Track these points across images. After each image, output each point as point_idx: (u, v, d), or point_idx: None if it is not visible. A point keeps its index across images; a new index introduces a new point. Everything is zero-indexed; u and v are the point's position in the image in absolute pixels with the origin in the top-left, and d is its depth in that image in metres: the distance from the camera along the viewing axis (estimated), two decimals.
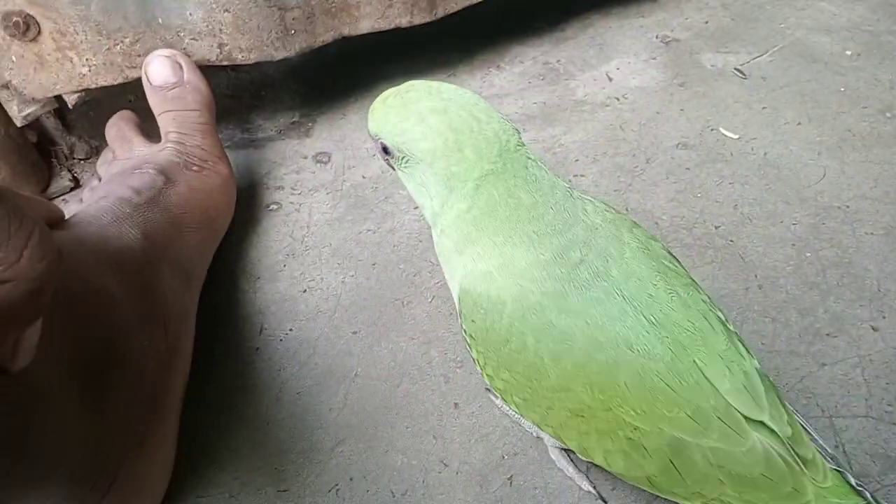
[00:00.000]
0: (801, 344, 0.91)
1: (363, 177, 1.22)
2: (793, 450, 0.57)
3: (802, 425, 0.62)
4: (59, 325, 0.58)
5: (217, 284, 1.04)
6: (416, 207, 1.15)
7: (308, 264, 1.07)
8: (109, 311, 0.71)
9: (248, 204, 1.19)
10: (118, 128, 1.07)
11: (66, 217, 0.80)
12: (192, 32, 1.05)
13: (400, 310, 0.99)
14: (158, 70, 1.02)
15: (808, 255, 1.03)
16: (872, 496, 0.58)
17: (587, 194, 0.68)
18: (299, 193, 1.20)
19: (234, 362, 0.94)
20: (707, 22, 1.56)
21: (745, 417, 0.56)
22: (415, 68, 1.46)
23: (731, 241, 1.05)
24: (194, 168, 1.01)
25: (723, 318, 0.63)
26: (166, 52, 1.03)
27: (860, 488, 0.59)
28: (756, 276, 1.00)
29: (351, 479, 0.80)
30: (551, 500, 0.77)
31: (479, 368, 0.66)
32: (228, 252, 1.10)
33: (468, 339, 0.64)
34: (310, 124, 1.37)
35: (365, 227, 1.12)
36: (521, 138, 0.62)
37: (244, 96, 1.44)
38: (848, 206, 1.10)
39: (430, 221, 0.67)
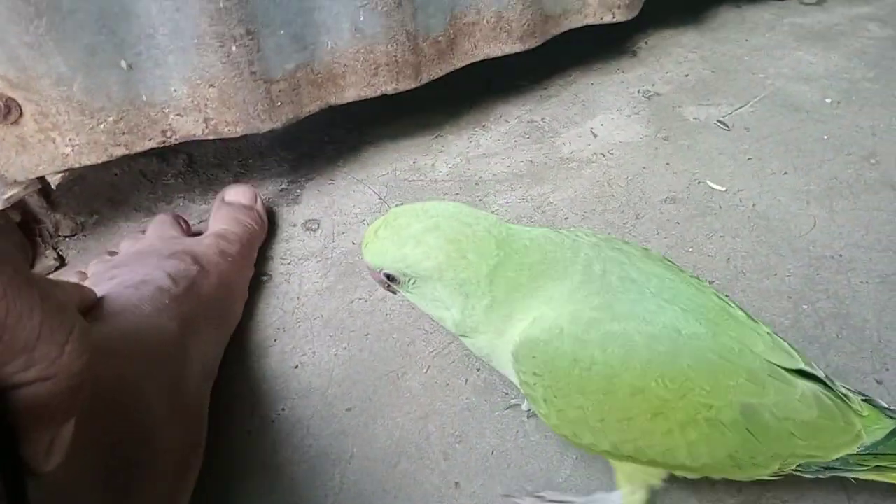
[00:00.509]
0: None
1: (353, 243, 1.21)
2: (831, 388, 0.64)
3: None
4: (90, 423, 0.57)
5: None
6: None
7: (299, 338, 1.05)
8: (140, 410, 0.70)
9: None
10: (162, 221, 1.10)
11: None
12: (178, 108, 1.05)
13: (395, 382, 0.96)
14: (238, 192, 1.16)
15: (805, 307, 1.02)
16: None
17: None
18: (289, 263, 1.19)
19: (227, 447, 0.90)
20: (687, 75, 1.59)
21: (786, 370, 0.62)
22: (401, 132, 1.47)
23: (727, 295, 1.04)
24: (229, 259, 1.03)
25: (728, 297, 0.69)
26: (249, 186, 1.19)
27: (892, 410, 0.67)
28: None
29: None
30: None
31: (542, 411, 0.65)
32: None
33: (531, 380, 0.63)
34: (298, 191, 1.36)
35: (356, 296, 1.10)
36: (504, 222, 0.66)
37: (231, 165, 1.44)
38: (841, 256, 1.10)
39: (454, 330, 0.68)
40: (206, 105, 1.06)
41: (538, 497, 0.81)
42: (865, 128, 1.38)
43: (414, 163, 1.38)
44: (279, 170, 1.43)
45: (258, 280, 1.16)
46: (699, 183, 1.26)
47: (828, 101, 1.47)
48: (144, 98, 1.02)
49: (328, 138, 1.49)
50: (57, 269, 1.22)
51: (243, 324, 1.07)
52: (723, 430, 0.59)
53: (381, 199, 1.31)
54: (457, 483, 0.84)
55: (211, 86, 1.04)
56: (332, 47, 1.11)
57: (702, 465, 0.63)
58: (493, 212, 1.25)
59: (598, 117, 1.45)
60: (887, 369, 0.93)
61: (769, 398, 0.60)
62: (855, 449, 0.63)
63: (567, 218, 1.20)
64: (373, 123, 1.50)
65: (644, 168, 1.30)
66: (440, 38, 1.23)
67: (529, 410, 0.90)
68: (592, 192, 1.26)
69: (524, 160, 1.35)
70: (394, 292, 0.69)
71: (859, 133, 1.37)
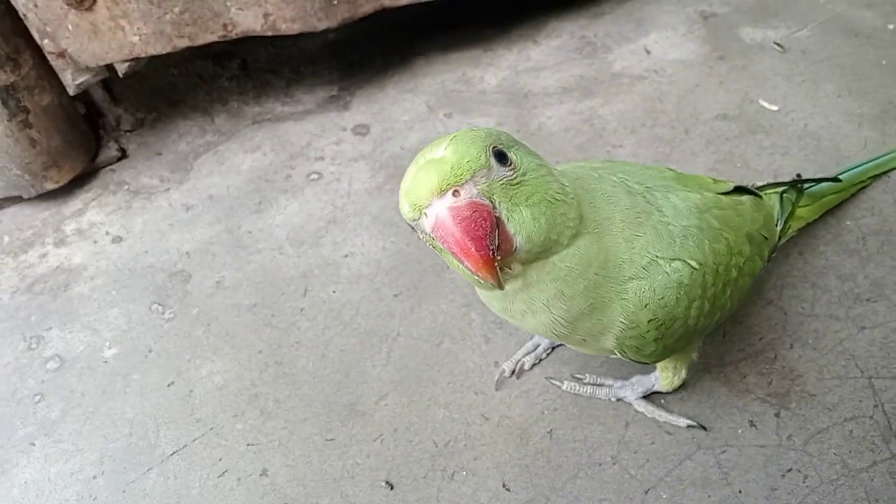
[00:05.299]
0: (841, 308, 0.91)
1: (402, 148, 1.24)
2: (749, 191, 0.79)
3: None
4: None
5: (263, 249, 1.07)
6: None
7: (349, 230, 1.09)
8: None
9: (289, 173, 1.22)
10: None
11: None
12: (239, 2, 1.08)
13: (440, 274, 1.01)
14: None
15: (849, 223, 1.03)
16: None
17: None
18: (339, 164, 1.23)
19: (281, 321, 0.97)
20: None
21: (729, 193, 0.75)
22: (451, 45, 1.47)
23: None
24: None
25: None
26: None
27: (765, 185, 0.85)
28: (796, 244, 0.99)
29: (395, 430, 0.83)
30: (591, 452, 0.79)
31: (648, 350, 0.65)
32: (273, 218, 1.13)
33: (645, 331, 0.63)
34: (348, 98, 1.39)
35: None
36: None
37: (283, 71, 1.47)
38: (889, 176, 1.09)
39: (570, 221, 0.57)
40: (266, 0, 1.08)
41: (577, 379, 0.86)
42: None
43: (463, 74, 1.40)
44: (329, 77, 1.45)
45: (309, 178, 1.20)
46: (751, 102, 1.25)
47: (890, 27, 1.42)
48: None
49: (378, 49, 1.51)
50: (118, 160, 1.28)
51: (296, 216, 1.13)
52: (749, 259, 0.72)
53: (429, 108, 1.33)
54: (496, 362, 0.88)
55: None
56: None
57: (742, 297, 0.75)
58: (540, 124, 1.26)
59: (651, 35, 1.43)
60: None
61: (747, 224, 0.72)
62: (779, 224, 0.81)
63: (616, 131, 1.21)
64: (422, 37, 1.51)
65: (697, 86, 1.29)
66: None
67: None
68: (643, 107, 1.26)
69: (574, 75, 1.35)
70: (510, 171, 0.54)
71: None
